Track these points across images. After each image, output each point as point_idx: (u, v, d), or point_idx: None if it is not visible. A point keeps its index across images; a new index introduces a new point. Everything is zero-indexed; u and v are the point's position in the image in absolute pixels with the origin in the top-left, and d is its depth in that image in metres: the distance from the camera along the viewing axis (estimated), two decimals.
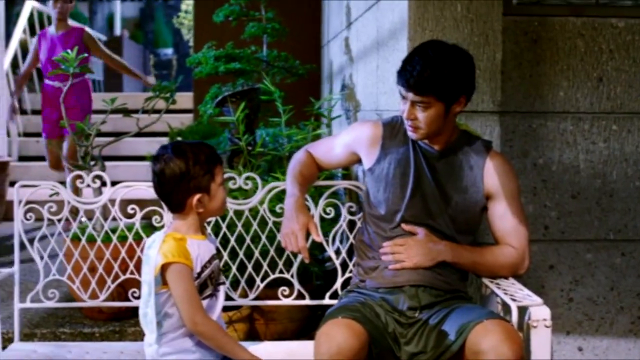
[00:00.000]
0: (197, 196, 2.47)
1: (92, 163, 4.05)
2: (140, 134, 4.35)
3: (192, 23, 8.16)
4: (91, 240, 3.24)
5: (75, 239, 3.35)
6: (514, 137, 3.41)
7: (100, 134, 4.41)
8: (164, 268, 2.42)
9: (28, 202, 3.12)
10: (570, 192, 3.46)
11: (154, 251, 2.45)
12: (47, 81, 6.44)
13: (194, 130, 6.59)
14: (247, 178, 3.16)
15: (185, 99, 8.42)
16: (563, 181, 3.45)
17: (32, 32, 10.82)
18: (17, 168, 8.33)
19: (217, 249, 2.77)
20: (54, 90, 6.25)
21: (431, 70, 2.63)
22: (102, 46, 6.64)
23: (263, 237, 3.23)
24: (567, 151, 3.44)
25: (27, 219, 3.12)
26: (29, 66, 6.65)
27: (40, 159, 7.53)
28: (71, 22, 6.63)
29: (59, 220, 3.16)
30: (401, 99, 2.75)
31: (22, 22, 9.69)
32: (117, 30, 17.12)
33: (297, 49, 6.44)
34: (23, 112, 9.26)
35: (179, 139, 6.94)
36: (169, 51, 20.64)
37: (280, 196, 3.17)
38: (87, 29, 6.77)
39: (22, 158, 9.01)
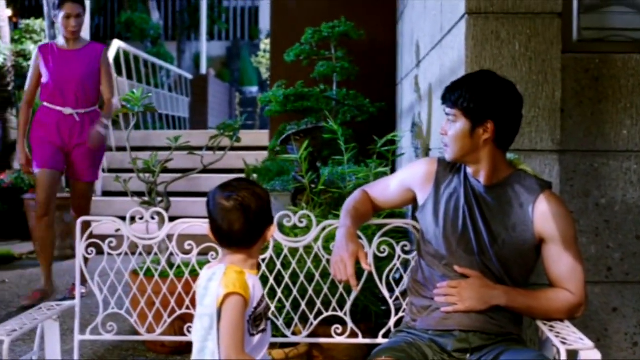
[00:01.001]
0: (272, 226, 2.49)
1: (158, 199, 4.13)
2: (216, 170, 4.42)
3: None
4: (149, 274, 3.30)
5: (134, 273, 3.42)
6: (575, 177, 3.35)
7: (168, 171, 4.52)
8: (224, 299, 2.42)
9: (90, 237, 3.20)
10: (635, 232, 3.36)
11: (215, 283, 2.43)
12: (51, 105, 5.42)
13: (268, 168, 6.68)
14: (302, 216, 3.18)
15: (263, 136, 8.54)
16: (627, 221, 3.35)
17: (118, 71, 11.19)
18: (100, 203, 8.57)
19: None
20: (63, 118, 5.41)
21: (465, 86, 2.70)
22: (110, 74, 5.71)
23: (317, 275, 3.23)
24: (631, 190, 3.35)
25: (89, 254, 3.20)
26: (33, 89, 5.55)
27: (123, 194, 7.72)
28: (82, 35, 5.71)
29: (119, 255, 3.23)
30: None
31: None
32: (203, 69, 17.47)
33: (372, 87, 6.51)
34: (108, 149, 9.54)
35: (255, 176, 7.06)
36: (254, 89, 20.98)
37: (334, 234, 3.17)
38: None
39: (105, 193, 9.26)
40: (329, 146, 4.88)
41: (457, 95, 2.70)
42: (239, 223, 2.42)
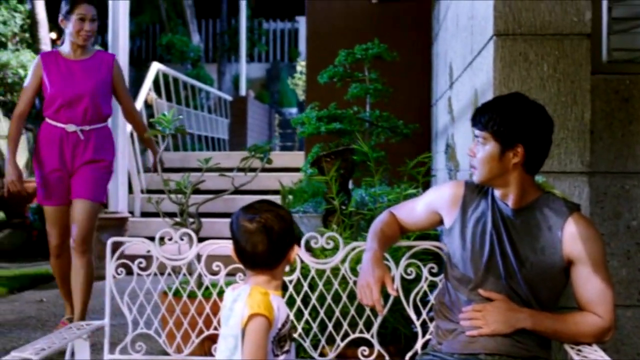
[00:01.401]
0: (295, 247, 2.51)
1: (190, 220, 4.17)
2: (252, 192, 4.45)
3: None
4: (178, 295, 3.33)
5: (164, 294, 3.45)
6: (605, 199, 3.32)
7: (202, 192, 4.56)
8: (248, 320, 2.43)
9: (120, 257, 3.24)
10: None
11: (240, 304, 2.45)
12: (54, 122, 4.81)
13: (304, 189, 6.70)
14: (329, 237, 3.19)
15: (300, 157, 8.58)
16: None
17: (158, 93, 11.33)
18: (138, 224, 8.66)
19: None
20: (65, 136, 4.80)
21: (496, 108, 2.69)
22: (126, 84, 5.21)
23: (344, 297, 3.23)
24: None
25: (118, 274, 3.24)
26: (29, 100, 4.90)
27: (167, 214, 7.80)
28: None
29: (148, 276, 3.26)
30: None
31: (147, 83, 10.15)
32: (243, 91, 17.62)
33: (406, 108, 6.52)
34: (147, 170, 9.66)
35: (290, 197, 7.09)
36: (293, 110, 21.08)
37: (361, 255, 3.17)
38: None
39: (144, 214, 9.35)
40: (360, 168, 4.89)
41: (487, 117, 2.69)
42: (262, 245, 2.44)
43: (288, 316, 2.54)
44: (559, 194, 2.85)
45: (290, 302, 3.11)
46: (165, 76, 11.50)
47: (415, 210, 3.03)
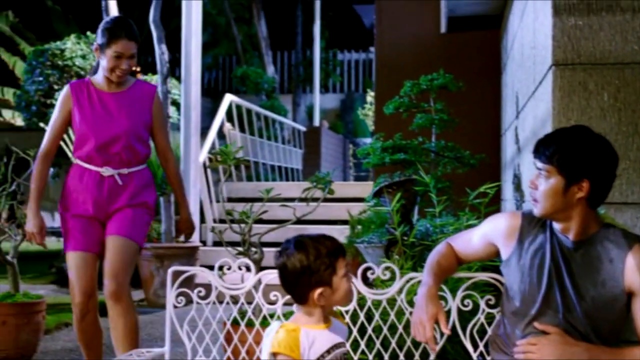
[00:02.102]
0: (319, 290, 2.51)
1: (253, 250, 4.22)
2: (321, 221, 4.47)
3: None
4: (236, 324, 3.37)
5: (224, 323, 3.49)
6: None
7: (266, 222, 4.60)
8: (272, 357, 2.51)
9: (190, 286, 3.31)
10: None
11: (268, 340, 2.54)
12: (87, 165, 4.14)
13: (372, 219, 6.71)
14: (386, 268, 3.19)
15: (370, 187, 8.59)
16: None
17: (231, 124, 11.51)
18: (210, 253, 8.78)
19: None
20: (101, 180, 4.13)
21: (560, 140, 2.63)
22: (165, 120, 4.53)
23: (400, 328, 3.22)
24: None
25: (178, 303, 3.30)
26: (56, 137, 4.20)
27: (232, 244, 7.88)
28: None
29: (207, 304, 3.31)
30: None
31: (220, 114, 10.33)
32: (317, 121, 17.77)
33: (474, 138, 6.49)
34: (218, 200, 9.82)
35: (359, 227, 7.09)
36: (367, 140, 21.08)
37: (418, 287, 3.17)
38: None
39: (216, 243, 9.47)
40: (425, 198, 4.88)
41: (552, 150, 2.63)
42: (282, 281, 2.59)
43: (333, 347, 2.55)
44: (619, 225, 2.80)
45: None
46: (239, 107, 11.68)
47: (471, 241, 3.01)
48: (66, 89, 4.17)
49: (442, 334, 3.01)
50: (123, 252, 4.04)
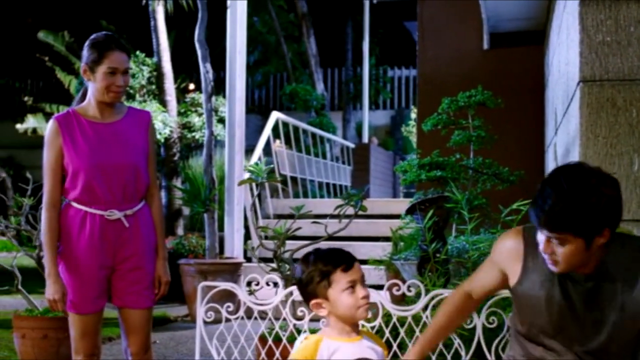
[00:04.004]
0: (314, 301, 2.58)
1: (286, 267, 4.26)
2: (366, 238, 4.47)
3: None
4: (264, 339, 3.41)
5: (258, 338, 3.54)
6: None
7: (305, 238, 4.64)
8: None
9: (208, 302, 3.36)
10: None
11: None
12: (86, 208, 3.51)
13: (413, 236, 6.71)
14: (412, 285, 3.20)
15: None
16: None
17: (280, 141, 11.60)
18: (255, 269, 8.81)
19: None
20: (106, 225, 3.52)
21: (564, 204, 2.33)
22: (155, 150, 3.83)
23: None
24: None
25: (208, 317, 3.35)
26: (58, 184, 3.55)
27: (271, 260, 7.95)
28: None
29: (236, 319, 3.36)
30: (538, 231, 2.47)
31: (266, 131, 10.41)
32: (365, 138, 17.79)
33: (514, 155, 6.47)
34: (266, 216, 9.90)
35: (402, 244, 7.11)
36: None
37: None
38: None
39: (262, 260, 9.50)
40: (460, 216, 4.86)
41: (559, 219, 2.35)
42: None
43: None
44: (628, 232, 2.63)
45: None
46: (285, 124, 11.76)
47: (482, 271, 2.81)
48: (52, 124, 3.56)
49: (467, 351, 3.02)
50: (146, 324, 3.57)
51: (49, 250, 3.48)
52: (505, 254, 2.68)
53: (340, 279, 2.55)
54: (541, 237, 2.44)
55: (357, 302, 2.56)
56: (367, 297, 2.58)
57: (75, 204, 3.50)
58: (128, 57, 3.62)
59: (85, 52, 3.59)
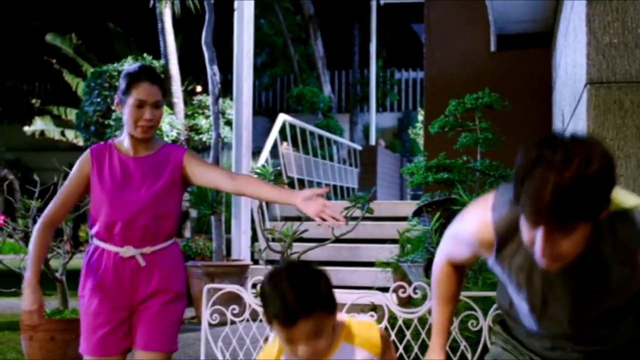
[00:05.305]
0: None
1: None
2: (373, 240, 4.46)
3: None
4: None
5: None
6: None
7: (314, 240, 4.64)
8: None
9: (213, 304, 3.35)
10: None
11: None
12: (105, 245, 3.31)
13: (420, 238, 6.71)
14: (418, 287, 3.19)
15: None
16: None
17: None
18: (262, 271, 8.81)
19: None
20: (120, 263, 3.29)
21: (571, 186, 1.89)
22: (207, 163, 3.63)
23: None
24: None
25: (213, 320, 3.35)
26: (62, 208, 3.40)
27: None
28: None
29: (241, 322, 3.35)
30: (525, 226, 2.03)
31: (273, 133, 10.40)
32: (373, 140, 17.79)
33: None
34: (273, 219, 9.89)
35: (409, 246, 7.09)
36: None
37: None
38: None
39: (269, 262, 9.51)
40: None
41: (576, 205, 1.91)
42: None
43: None
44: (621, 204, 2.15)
45: None
46: (292, 127, 11.76)
47: (458, 251, 2.49)
48: (86, 153, 3.41)
49: (473, 354, 3.01)
50: None
51: (33, 261, 3.30)
52: (476, 242, 2.33)
53: (280, 332, 2.19)
54: (536, 234, 2.00)
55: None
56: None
57: (96, 241, 3.33)
58: (160, 89, 3.36)
59: (120, 83, 3.41)
